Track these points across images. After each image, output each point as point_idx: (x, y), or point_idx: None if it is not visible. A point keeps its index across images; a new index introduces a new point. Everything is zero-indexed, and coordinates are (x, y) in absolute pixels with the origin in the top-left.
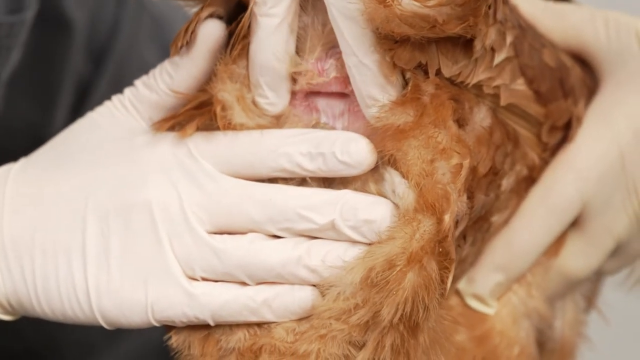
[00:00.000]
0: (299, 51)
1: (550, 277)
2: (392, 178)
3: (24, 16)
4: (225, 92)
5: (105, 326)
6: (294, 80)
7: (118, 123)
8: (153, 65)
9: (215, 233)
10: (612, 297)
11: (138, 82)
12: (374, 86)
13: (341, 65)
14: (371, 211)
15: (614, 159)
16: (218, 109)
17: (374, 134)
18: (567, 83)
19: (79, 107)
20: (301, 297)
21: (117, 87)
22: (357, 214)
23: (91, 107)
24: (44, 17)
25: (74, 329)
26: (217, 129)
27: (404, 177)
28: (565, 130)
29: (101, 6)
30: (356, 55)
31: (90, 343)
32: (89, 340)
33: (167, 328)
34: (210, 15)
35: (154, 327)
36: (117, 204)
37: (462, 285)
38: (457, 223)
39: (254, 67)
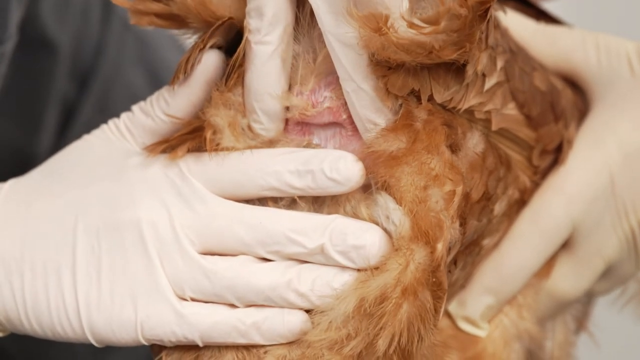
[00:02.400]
0: (292, 80)
1: (540, 298)
2: (387, 203)
3: (4, 49)
4: (218, 117)
5: (94, 343)
6: (287, 109)
7: (112, 145)
8: (137, 87)
9: (205, 254)
10: (600, 319)
11: (135, 107)
12: (372, 110)
13: (335, 97)
14: (360, 237)
15: (605, 182)
16: (209, 133)
17: (366, 158)
18: (557, 106)
19: (65, 129)
20: (290, 321)
21: (102, 108)
22: (346, 239)
23: (76, 129)
24: (28, 41)
25: (57, 348)
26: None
27: (398, 203)
28: (556, 153)
29: (85, 28)
30: (354, 81)
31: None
32: (72, 357)
33: (154, 350)
34: (211, 46)
35: (138, 350)
36: (107, 222)
37: (452, 307)
38: (449, 250)
39: (249, 93)
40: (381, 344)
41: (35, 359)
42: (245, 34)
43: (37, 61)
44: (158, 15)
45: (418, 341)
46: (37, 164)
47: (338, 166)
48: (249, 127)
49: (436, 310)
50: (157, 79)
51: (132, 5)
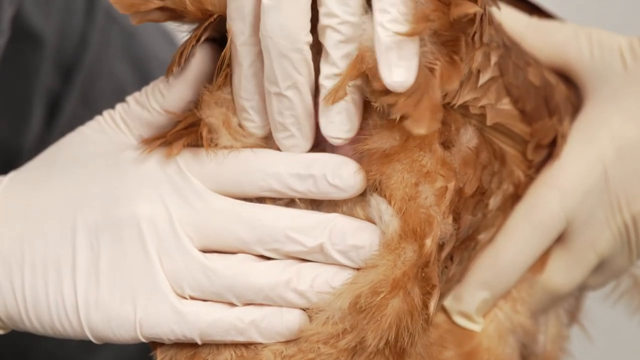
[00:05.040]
0: None
1: (535, 292)
2: (379, 205)
3: None
4: (213, 117)
5: (93, 341)
6: None
7: (108, 138)
8: (123, 79)
9: (204, 251)
10: (594, 312)
11: (130, 99)
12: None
13: None
14: (359, 236)
15: (598, 176)
16: (204, 132)
17: (361, 157)
18: (551, 101)
19: (50, 122)
20: (289, 320)
21: (87, 101)
22: (345, 238)
23: (62, 123)
24: (13, 33)
25: (46, 341)
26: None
27: (388, 201)
28: (550, 148)
29: (69, 20)
30: None
31: (63, 356)
32: (61, 353)
33: (153, 345)
34: (206, 39)
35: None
36: (106, 218)
37: (448, 302)
38: (442, 245)
39: (239, 93)
40: (370, 339)
41: (22, 350)
42: (229, 37)
43: (23, 55)
44: (159, 9)
45: (408, 337)
46: (22, 158)
47: (340, 172)
48: (240, 125)
49: (425, 306)
50: (144, 71)
51: (134, 6)
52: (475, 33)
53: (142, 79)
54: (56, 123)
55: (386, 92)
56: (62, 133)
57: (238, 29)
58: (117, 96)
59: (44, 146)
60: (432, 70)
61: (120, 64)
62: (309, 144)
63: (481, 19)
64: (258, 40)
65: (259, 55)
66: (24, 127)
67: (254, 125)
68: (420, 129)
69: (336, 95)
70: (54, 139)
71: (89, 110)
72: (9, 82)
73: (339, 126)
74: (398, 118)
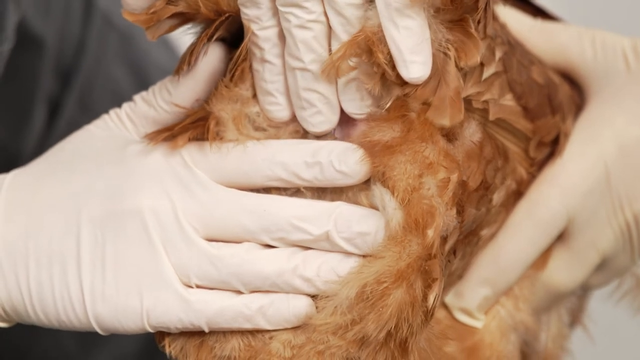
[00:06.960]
0: None
1: (536, 290)
2: (382, 195)
3: (1, 49)
4: (224, 111)
5: (100, 332)
6: None
7: (113, 135)
8: (121, 83)
9: (209, 241)
10: (596, 312)
11: (137, 97)
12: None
13: None
14: (365, 223)
15: (600, 175)
16: (212, 124)
17: (364, 148)
18: (555, 99)
19: (50, 126)
20: (296, 306)
21: (84, 105)
22: (351, 225)
23: (60, 125)
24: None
25: (44, 340)
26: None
27: (390, 192)
28: (553, 146)
29: (68, 24)
30: None
31: (61, 355)
32: (59, 352)
33: (158, 337)
34: (215, 39)
35: (130, 340)
36: (110, 211)
37: (449, 299)
38: (446, 238)
39: (262, 77)
40: (371, 329)
41: (20, 351)
42: (247, 25)
43: (24, 59)
44: (171, 16)
45: (407, 328)
46: (22, 161)
47: (347, 159)
48: (258, 114)
49: (425, 298)
50: (141, 75)
51: (148, 19)
52: (479, 22)
53: (140, 83)
54: (55, 128)
55: (402, 83)
56: (61, 137)
57: (254, 15)
58: (115, 101)
59: (44, 150)
60: (446, 54)
61: (118, 69)
62: (336, 118)
63: (485, 9)
64: (275, 22)
65: (279, 36)
66: (24, 131)
67: (279, 108)
68: (443, 120)
69: (340, 67)
70: (53, 142)
71: (86, 114)
72: (10, 86)
73: (359, 102)
74: (420, 108)
